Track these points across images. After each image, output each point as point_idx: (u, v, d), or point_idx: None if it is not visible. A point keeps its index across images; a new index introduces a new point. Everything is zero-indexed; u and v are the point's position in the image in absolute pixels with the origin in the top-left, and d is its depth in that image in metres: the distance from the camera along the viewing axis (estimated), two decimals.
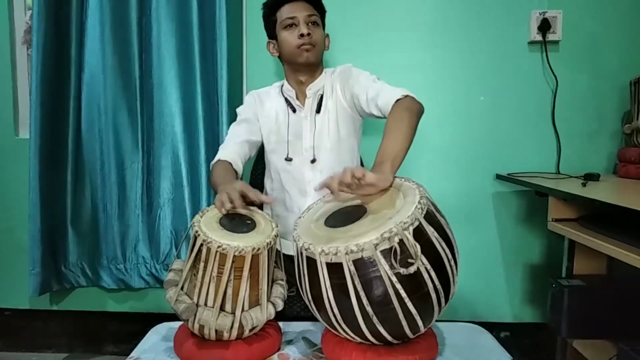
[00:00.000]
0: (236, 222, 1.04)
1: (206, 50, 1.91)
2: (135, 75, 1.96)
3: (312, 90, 1.45)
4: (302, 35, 1.37)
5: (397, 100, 1.21)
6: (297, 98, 1.48)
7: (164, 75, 1.93)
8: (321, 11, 1.45)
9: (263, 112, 1.49)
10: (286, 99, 1.48)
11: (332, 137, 1.43)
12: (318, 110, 1.44)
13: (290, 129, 1.45)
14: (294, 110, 1.46)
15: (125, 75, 1.96)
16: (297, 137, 1.44)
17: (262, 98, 1.51)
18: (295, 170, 1.44)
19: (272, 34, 1.46)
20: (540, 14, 1.90)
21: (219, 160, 1.32)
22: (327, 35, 1.49)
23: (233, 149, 1.37)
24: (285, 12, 1.40)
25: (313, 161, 1.43)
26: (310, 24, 1.40)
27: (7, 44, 2.09)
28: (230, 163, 1.32)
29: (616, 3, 1.92)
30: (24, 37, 2.13)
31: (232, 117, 1.88)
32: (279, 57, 1.48)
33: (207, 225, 0.99)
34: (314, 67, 1.45)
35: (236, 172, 1.32)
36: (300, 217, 1.07)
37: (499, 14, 1.94)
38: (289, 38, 1.40)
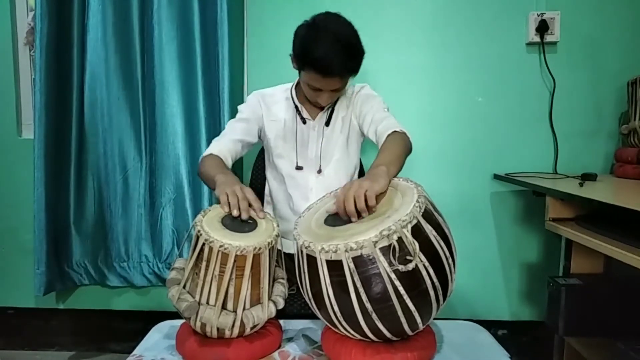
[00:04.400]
0: (238, 221, 1.05)
1: (208, 51, 1.92)
2: (137, 76, 1.97)
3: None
4: (319, 103, 1.37)
5: (394, 131, 1.26)
6: (305, 107, 1.48)
7: (165, 76, 1.94)
8: (355, 71, 1.33)
9: (269, 115, 1.48)
10: (296, 107, 1.47)
11: (340, 150, 1.46)
12: (327, 123, 1.46)
13: (298, 137, 1.46)
14: (304, 122, 1.46)
15: (127, 76, 1.97)
16: (304, 146, 1.46)
17: (267, 101, 1.50)
18: (301, 177, 1.46)
19: (297, 62, 1.33)
20: (538, 16, 1.91)
21: (211, 154, 1.31)
22: None
23: (227, 145, 1.36)
24: (310, 76, 1.29)
25: (319, 171, 1.45)
26: (333, 92, 1.34)
27: (10, 44, 2.10)
28: (221, 159, 1.31)
29: (614, 5, 1.93)
30: (26, 38, 2.14)
31: (234, 117, 1.90)
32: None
33: (209, 225, 1.00)
34: None
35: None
36: (300, 217, 1.08)
37: (497, 15, 1.96)
38: (309, 92, 1.36)
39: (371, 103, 1.43)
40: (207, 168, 1.24)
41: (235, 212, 1.04)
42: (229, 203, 1.05)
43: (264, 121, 1.48)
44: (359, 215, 0.96)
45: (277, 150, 1.48)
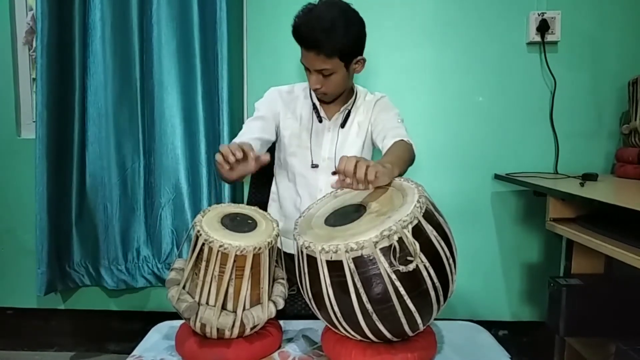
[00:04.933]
0: (237, 221, 1.04)
1: (207, 51, 1.92)
2: (136, 76, 1.97)
3: (344, 106, 1.47)
4: (316, 90, 1.38)
5: (401, 139, 1.29)
6: (323, 107, 1.48)
7: (164, 76, 1.94)
8: (344, 55, 1.33)
9: (287, 113, 1.48)
10: (314, 105, 1.47)
11: (355, 153, 1.45)
12: (343, 125, 1.46)
13: (313, 136, 1.46)
14: (320, 121, 1.47)
15: (126, 76, 1.96)
16: (318, 146, 1.46)
17: (285, 98, 1.50)
18: (312, 177, 1.46)
19: None
20: (539, 15, 1.90)
21: None
22: (361, 60, 1.41)
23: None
24: (301, 53, 1.35)
25: (335, 173, 1.43)
26: (322, 75, 1.35)
27: (9, 44, 2.10)
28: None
29: (615, 4, 1.93)
30: (25, 38, 2.14)
31: (233, 117, 1.89)
32: None
33: (209, 225, 1.00)
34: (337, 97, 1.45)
35: None
36: (300, 217, 1.08)
37: (498, 14, 1.95)
38: (307, 76, 1.40)
39: (388, 114, 1.45)
40: None
41: (231, 158, 1.03)
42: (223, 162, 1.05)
43: (281, 118, 1.48)
44: (353, 181, 0.97)
45: (291, 149, 1.48)
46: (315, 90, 1.39)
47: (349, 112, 1.47)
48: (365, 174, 0.96)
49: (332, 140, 1.46)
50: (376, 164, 1.00)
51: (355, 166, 0.97)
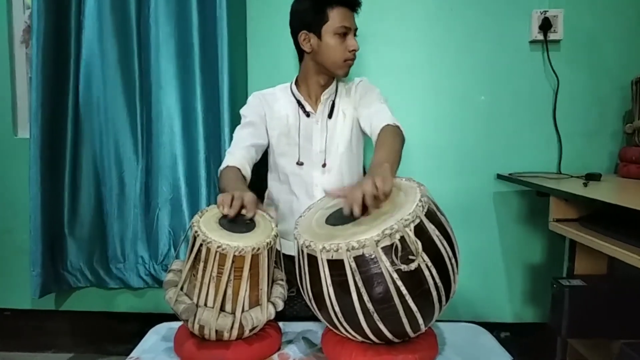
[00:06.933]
0: (236, 222, 1.03)
1: (206, 50, 1.90)
2: (134, 75, 1.96)
3: (325, 95, 1.46)
4: (352, 50, 1.37)
5: (387, 124, 1.28)
6: (309, 102, 1.47)
7: (162, 75, 1.92)
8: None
9: (272, 114, 1.47)
10: (298, 101, 1.47)
11: (344, 143, 1.45)
12: (330, 116, 1.45)
13: (301, 133, 1.45)
14: (308, 115, 1.46)
15: (124, 75, 1.95)
16: (307, 141, 1.45)
17: (268, 100, 1.49)
18: (305, 174, 1.45)
19: (311, 28, 1.37)
20: (542, 13, 1.89)
21: (227, 166, 1.30)
22: None
23: (240, 153, 1.34)
24: (339, 17, 1.35)
25: (324, 165, 1.44)
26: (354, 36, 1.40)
27: (6, 43, 2.09)
28: (239, 169, 1.29)
29: (617, 2, 1.92)
30: (23, 37, 2.13)
31: (234, 117, 1.88)
32: (309, 53, 1.42)
33: (207, 226, 0.99)
34: None
35: (244, 178, 1.30)
36: (301, 216, 1.07)
37: (500, 13, 1.94)
38: (338, 48, 1.37)
39: (369, 95, 1.44)
40: (224, 184, 1.23)
41: (225, 210, 1.02)
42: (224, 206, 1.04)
43: (267, 120, 1.47)
44: (365, 211, 0.92)
45: (279, 149, 1.47)
46: (352, 53, 1.39)
47: (334, 102, 1.47)
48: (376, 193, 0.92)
49: (322, 132, 1.45)
50: (382, 182, 0.94)
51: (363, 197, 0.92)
